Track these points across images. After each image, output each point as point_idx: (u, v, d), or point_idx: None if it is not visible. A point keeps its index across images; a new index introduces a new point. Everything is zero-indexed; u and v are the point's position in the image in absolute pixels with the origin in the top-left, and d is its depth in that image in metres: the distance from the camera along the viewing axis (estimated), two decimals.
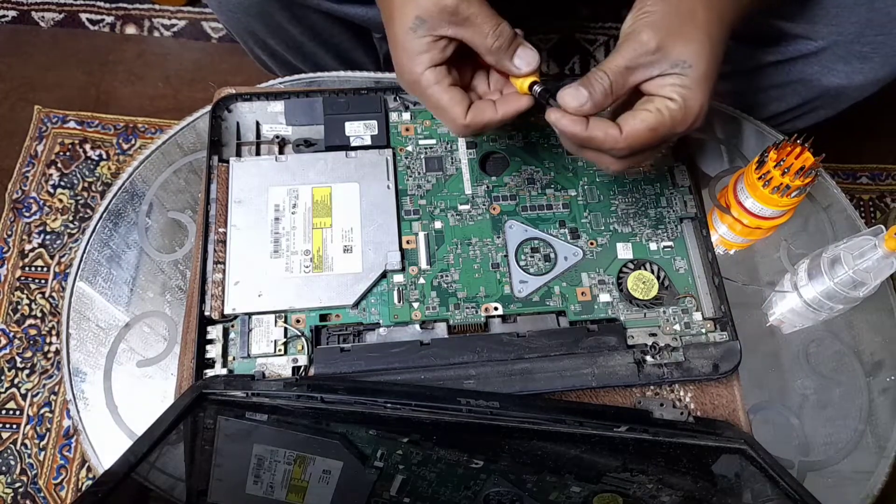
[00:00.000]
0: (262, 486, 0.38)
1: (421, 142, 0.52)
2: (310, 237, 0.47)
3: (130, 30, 1.10)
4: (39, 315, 0.92)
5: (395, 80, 0.58)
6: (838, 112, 0.66)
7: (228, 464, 0.39)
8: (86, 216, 0.97)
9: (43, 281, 0.94)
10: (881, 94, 0.61)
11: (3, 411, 0.87)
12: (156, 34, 1.10)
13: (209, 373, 0.44)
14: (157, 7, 1.11)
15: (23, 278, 0.94)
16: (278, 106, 0.52)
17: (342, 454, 0.41)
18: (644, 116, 0.38)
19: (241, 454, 0.40)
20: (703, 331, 0.46)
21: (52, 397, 0.88)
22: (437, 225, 0.49)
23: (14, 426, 0.87)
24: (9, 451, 0.86)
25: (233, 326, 0.45)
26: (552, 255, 0.48)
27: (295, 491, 0.39)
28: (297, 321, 0.45)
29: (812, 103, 0.64)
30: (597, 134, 0.38)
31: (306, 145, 0.51)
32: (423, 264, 0.47)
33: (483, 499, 0.39)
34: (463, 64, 0.42)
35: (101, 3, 1.11)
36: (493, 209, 0.50)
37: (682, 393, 0.45)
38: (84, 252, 0.54)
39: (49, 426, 0.86)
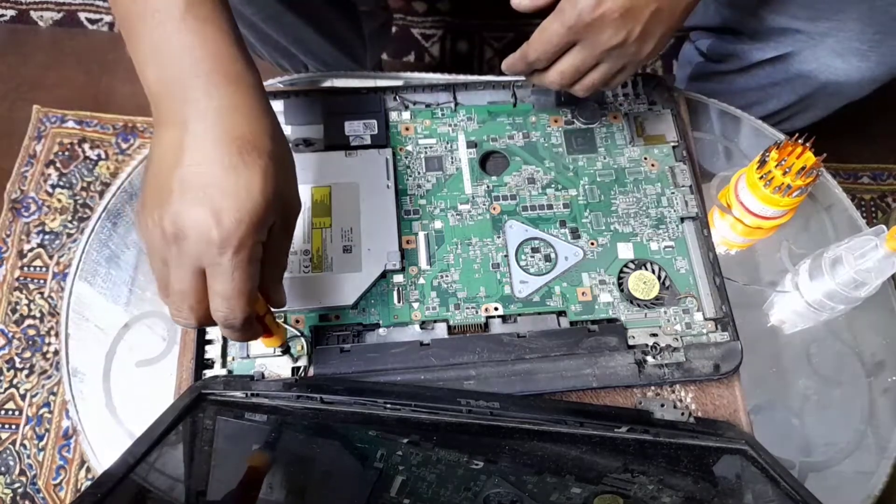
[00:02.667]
0: (260, 487, 0.38)
1: (421, 141, 0.52)
2: (309, 237, 0.47)
3: None
4: (38, 315, 0.92)
5: (395, 80, 0.57)
6: (832, 112, 0.66)
7: (228, 464, 0.39)
8: (84, 216, 0.97)
9: (42, 281, 0.93)
10: (882, 94, 0.61)
11: (2, 412, 0.87)
12: None
13: (208, 373, 0.44)
14: None
15: (21, 278, 0.93)
16: (278, 105, 0.52)
17: (342, 454, 0.40)
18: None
19: (241, 455, 0.40)
20: (704, 331, 0.46)
21: (51, 398, 0.88)
22: (437, 225, 0.49)
23: (13, 426, 0.86)
24: (8, 451, 0.85)
25: None
26: (552, 255, 0.48)
27: (295, 491, 0.38)
28: (297, 321, 0.45)
29: (807, 101, 0.64)
30: (516, 54, 0.42)
31: (306, 145, 0.51)
32: (423, 264, 0.47)
33: (483, 500, 0.38)
34: None
35: (100, 3, 1.10)
36: (494, 209, 0.49)
37: (682, 393, 0.45)
38: (83, 252, 0.54)
39: (48, 426, 0.86)
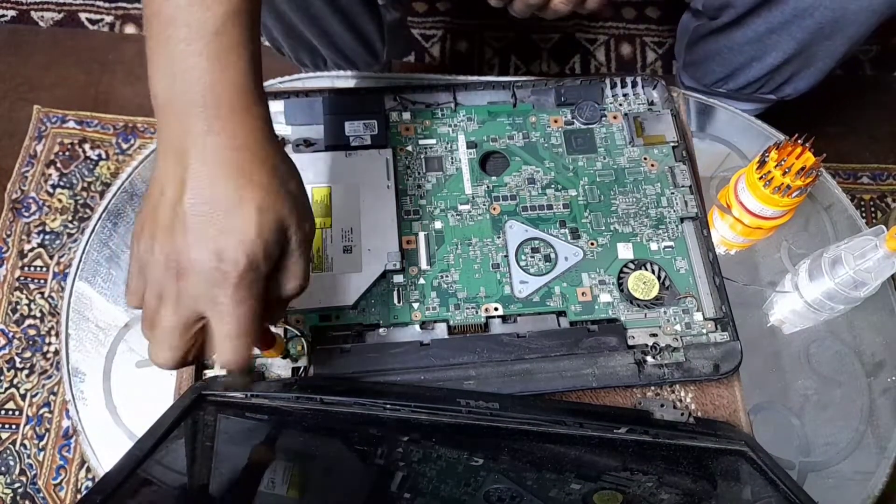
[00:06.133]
0: (261, 488, 0.38)
1: (421, 142, 0.52)
2: None
3: (130, 29, 1.10)
4: (38, 315, 0.92)
5: (394, 79, 0.58)
6: (837, 63, 0.63)
7: (228, 465, 0.39)
8: (85, 216, 0.97)
9: (42, 281, 0.93)
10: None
11: (3, 411, 0.87)
12: None
13: (208, 373, 0.44)
14: None
15: (22, 278, 0.94)
16: (278, 105, 0.52)
17: (342, 454, 0.40)
18: None
19: (241, 455, 0.40)
20: (704, 331, 0.46)
21: (52, 397, 0.88)
22: (437, 225, 0.49)
23: (13, 426, 0.86)
24: (8, 451, 0.85)
25: None
26: (552, 256, 0.48)
27: (295, 492, 0.38)
28: (297, 321, 0.45)
29: (808, 51, 0.62)
30: None
31: (306, 145, 0.51)
32: (423, 264, 0.47)
33: (483, 495, 0.38)
34: None
35: (101, 3, 1.10)
36: (494, 209, 0.49)
37: (682, 393, 0.45)
38: (83, 252, 0.54)
39: (48, 426, 0.86)
